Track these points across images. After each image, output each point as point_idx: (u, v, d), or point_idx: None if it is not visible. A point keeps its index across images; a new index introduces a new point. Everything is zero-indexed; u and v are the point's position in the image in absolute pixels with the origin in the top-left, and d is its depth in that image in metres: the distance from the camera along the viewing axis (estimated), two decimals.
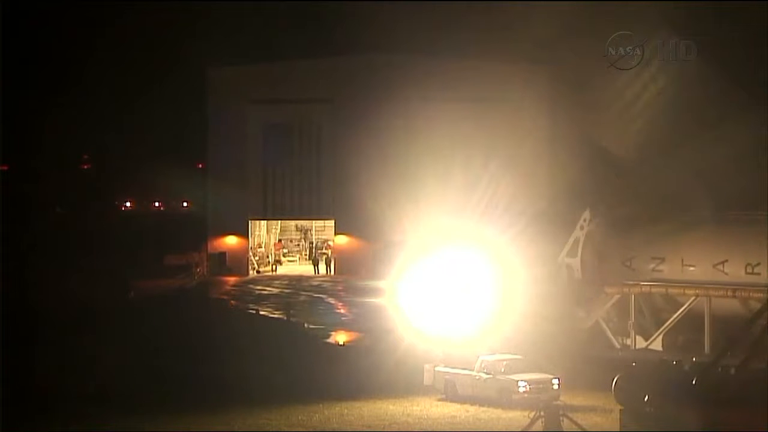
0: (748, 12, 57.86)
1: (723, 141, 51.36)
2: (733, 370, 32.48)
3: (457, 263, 40.05)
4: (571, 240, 43.19)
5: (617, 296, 42.84)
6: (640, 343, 42.20)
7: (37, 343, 46.23)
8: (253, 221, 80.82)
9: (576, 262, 42.95)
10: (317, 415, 37.54)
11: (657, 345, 42.09)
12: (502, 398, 38.85)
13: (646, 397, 31.51)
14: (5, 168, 67.96)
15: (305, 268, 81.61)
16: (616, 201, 47.74)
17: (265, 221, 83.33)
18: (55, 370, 41.74)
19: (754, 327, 35.03)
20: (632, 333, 41.93)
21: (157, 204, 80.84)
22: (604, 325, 42.59)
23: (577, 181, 58.84)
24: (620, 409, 32.65)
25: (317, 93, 77.59)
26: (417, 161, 72.49)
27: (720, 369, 32.41)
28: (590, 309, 42.95)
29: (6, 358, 41.84)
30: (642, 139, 58.24)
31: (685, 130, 54.89)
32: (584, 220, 43.15)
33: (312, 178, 79.04)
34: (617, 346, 41.92)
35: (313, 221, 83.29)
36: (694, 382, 30.89)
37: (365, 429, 36.05)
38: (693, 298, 41.04)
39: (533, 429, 31.94)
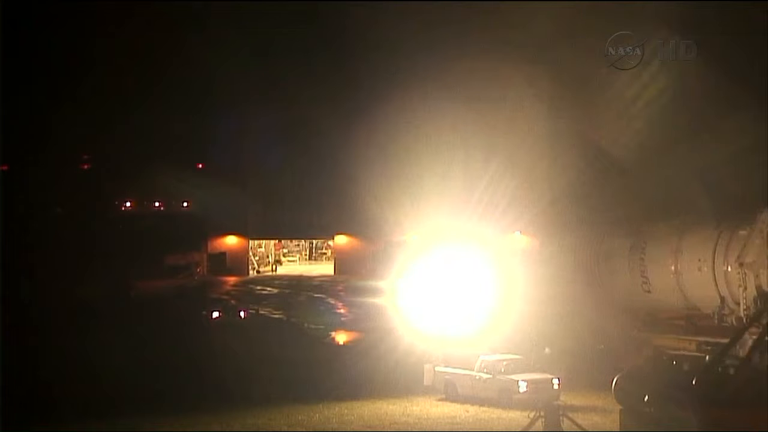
0: (749, 11, 57.81)
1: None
2: (733, 370, 32.43)
3: (457, 263, 40.06)
4: (747, 243, 38.74)
5: None
6: None
7: (37, 343, 46.23)
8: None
9: (755, 266, 38.00)
10: (317, 415, 37.50)
11: None
12: (502, 398, 38.85)
13: (646, 397, 31.46)
14: (5, 168, 67.81)
15: (305, 268, 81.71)
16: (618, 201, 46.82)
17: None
18: (55, 370, 41.71)
19: (754, 327, 34.94)
20: None
21: (157, 204, 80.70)
22: None
23: (577, 180, 58.64)
24: (620, 409, 32.63)
25: (317, 93, 77.64)
26: (417, 161, 72.49)
27: (720, 369, 32.36)
28: None
29: (6, 358, 41.78)
30: (643, 139, 58.06)
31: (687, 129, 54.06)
32: (763, 222, 38.36)
33: (312, 178, 79.11)
34: None
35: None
36: (694, 382, 30.84)
37: (365, 429, 36.03)
38: None
39: (533, 429, 31.97)
